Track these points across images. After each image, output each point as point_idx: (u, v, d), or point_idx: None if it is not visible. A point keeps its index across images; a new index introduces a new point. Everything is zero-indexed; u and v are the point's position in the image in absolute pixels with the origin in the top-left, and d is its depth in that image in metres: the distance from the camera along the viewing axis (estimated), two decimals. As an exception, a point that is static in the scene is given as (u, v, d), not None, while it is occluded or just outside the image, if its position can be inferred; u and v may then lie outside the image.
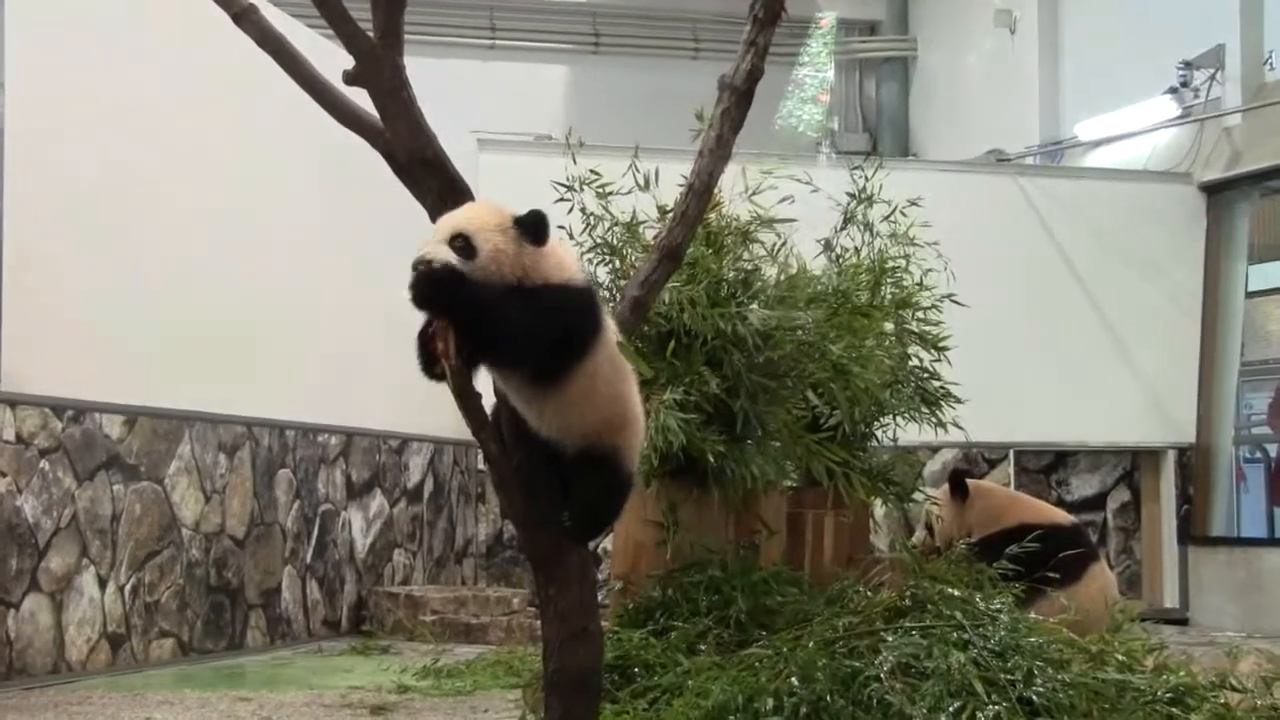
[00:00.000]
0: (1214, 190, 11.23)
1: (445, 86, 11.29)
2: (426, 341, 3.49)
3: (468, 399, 3.58)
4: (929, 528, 7.24)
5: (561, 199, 6.04)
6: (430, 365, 3.53)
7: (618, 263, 6.02)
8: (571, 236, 5.67)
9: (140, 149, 6.87)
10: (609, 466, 3.65)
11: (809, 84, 12.45)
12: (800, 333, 5.91)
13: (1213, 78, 11.10)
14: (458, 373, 3.50)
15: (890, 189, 6.99)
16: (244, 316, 7.54)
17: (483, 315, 3.41)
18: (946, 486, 7.34)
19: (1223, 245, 11.21)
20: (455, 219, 3.49)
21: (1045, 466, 11.14)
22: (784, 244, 6.35)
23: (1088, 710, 4.15)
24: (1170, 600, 11.08)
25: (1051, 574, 6.32)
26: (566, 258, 3.63)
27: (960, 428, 6.91)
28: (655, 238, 4.28)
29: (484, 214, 3.50)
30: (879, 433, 6.93)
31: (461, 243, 3.42)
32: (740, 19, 4.30)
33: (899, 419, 6.90)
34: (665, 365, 5.59)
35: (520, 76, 13.94)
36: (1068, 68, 12.73)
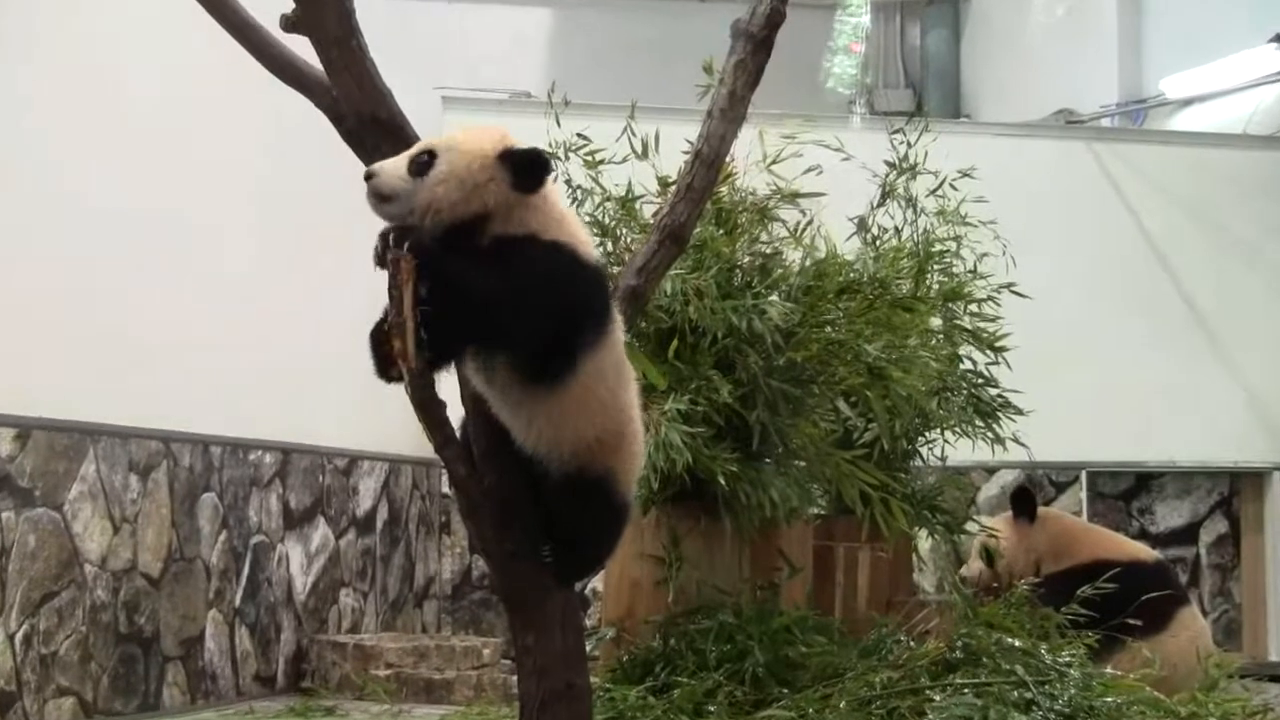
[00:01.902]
0: (1328, 159, 11.26)
1: (403, 34, 11.30)
2: (381, 339, 3.50)
3: (430, 409, 3.59)
4: (986, 556, 7.25)
5: (543, 168, 6.04)
6: (385, 368, 3.53)
7: (610, 245, 6.04)
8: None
9: (34, 126, 6.87)
10: (601, 493, 3.66)
11: (840, 31, 12.47)
12: (829, 330, 5.93)
13: (1327, 24, 11.13)
14: (418, 377, 3.51)
15: (938, 157, 7.01)
16: (160, 312, 7.54)
17: (453, 275, 3.40)
18: (1009, 511, 7.35)
19: (1338, 224, 11.24)
20: (439, 137, 3.55)
21: (1124, 491, 11.15)
22: (810, 223, 6.37)
23: (1175, 783, 4.17)
24: (1276, 652, 11.09)
25: (1132, 620, 6.35)
26: (570, 217, 3.63)
27: (1022, 444, 6.92)
28: (655, 215, 4.29)
29: (472, 135, 3.53)
30: (924, 450, 6.95)
31: (426, 158, 3.47)
32: (758, -47, 4.31)
33: (948, 434, 6.91)
34: (668, 369, 5.60)
35: (493, 22, 13.94)
36: (1153, 11, 12.75)
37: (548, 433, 3.58)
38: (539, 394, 3.54)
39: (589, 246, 3.63)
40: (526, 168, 3.49)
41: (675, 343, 5.64)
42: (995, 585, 6.96)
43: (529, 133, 6.00)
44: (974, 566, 7.31)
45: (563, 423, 3.57)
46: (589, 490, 3.64)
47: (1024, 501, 7.29)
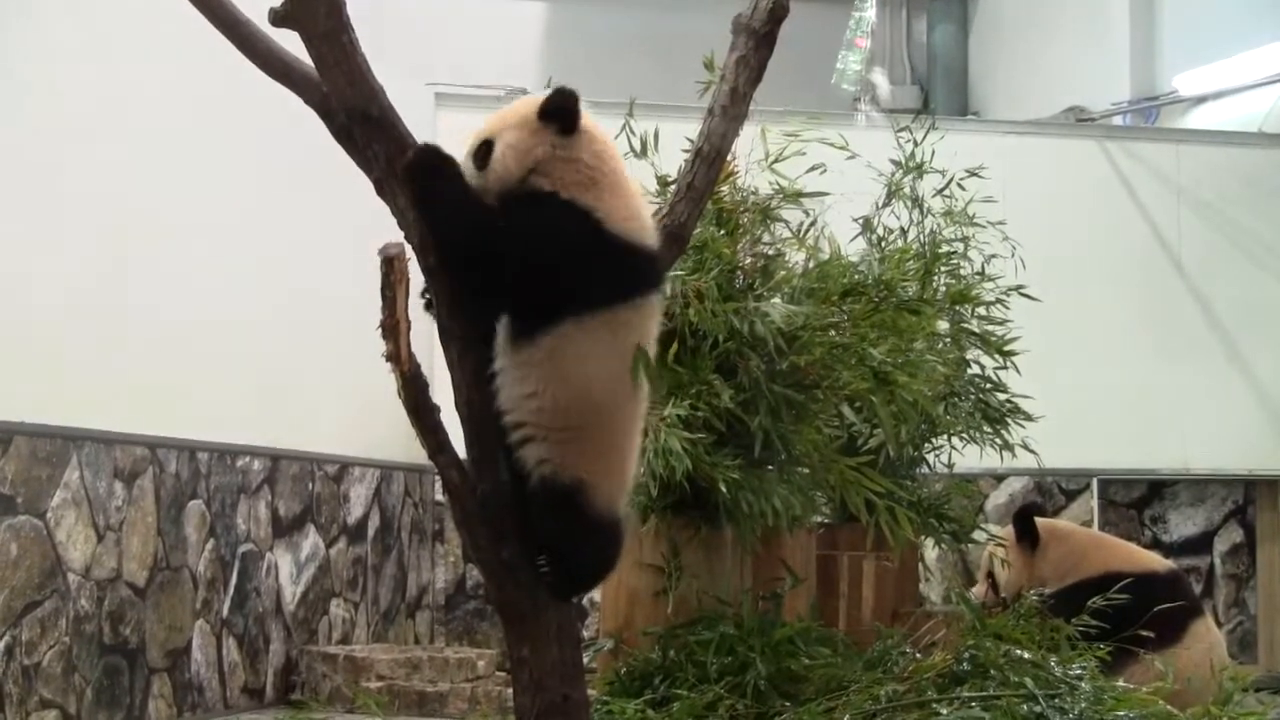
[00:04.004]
0: (1346, 157, 11.27)
1: (395, 29, 11.31)
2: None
3: (423, 414, 3.60)
4: (990, 576, 7.25)
5: (539, 167, 6.05)
6: None
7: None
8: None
9: (21, 127, 6.88)
10: (571, 505, 3.64)
11: (845, 25, 12.47)
12: (833, 333, 5.93)
13: (1346, 18, 11.15)
14: (412, 381, 3.52)
15: (945, 155, 7.01)
16: (146, 314, 7.54)
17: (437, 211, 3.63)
18: (1011, 529, 7.33)
19: (1357, 224, 11.24)
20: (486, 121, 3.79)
21: (1137, 499, 11.15)
22: (813, 223, 6.37)
23: (1188, 800, 4.18)
24: (1292, 665, 11.10)
25: (1145, 632, 6.34)
26: (613, 185, 3.72)
27: (1031, 451, 6.93)
28: (655, 215, 4.29)
29: (512, 109, 3.79)
30: (930, 457, 6.95)
31: (483, 149, 3.71)
32: (760, -55, 4.32)
33: (955, 440, 6.91)
34: (668, 373, 5.60)
35: (487, 16, 13.95)
36: (1166, 6, 12.75)
37: (511, 393, 3.60)
38: (514, 349, 3.59)
39: (622, 217, 3.70)
40: (559, 111, 3.71)
41: (675, 346, 5.64)
42: (1002, 601, 6.96)
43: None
44: (979, 590, 7.30)
45: (524, 385, 3.58)
46: (557, 501, 3.63)
47: (1026, 525, 7.22)
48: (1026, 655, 4.99)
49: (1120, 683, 5.27)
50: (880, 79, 13.51)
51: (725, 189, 6.03)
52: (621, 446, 3.75)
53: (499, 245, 3.58)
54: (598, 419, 3.66)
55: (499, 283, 3.59)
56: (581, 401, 3.61)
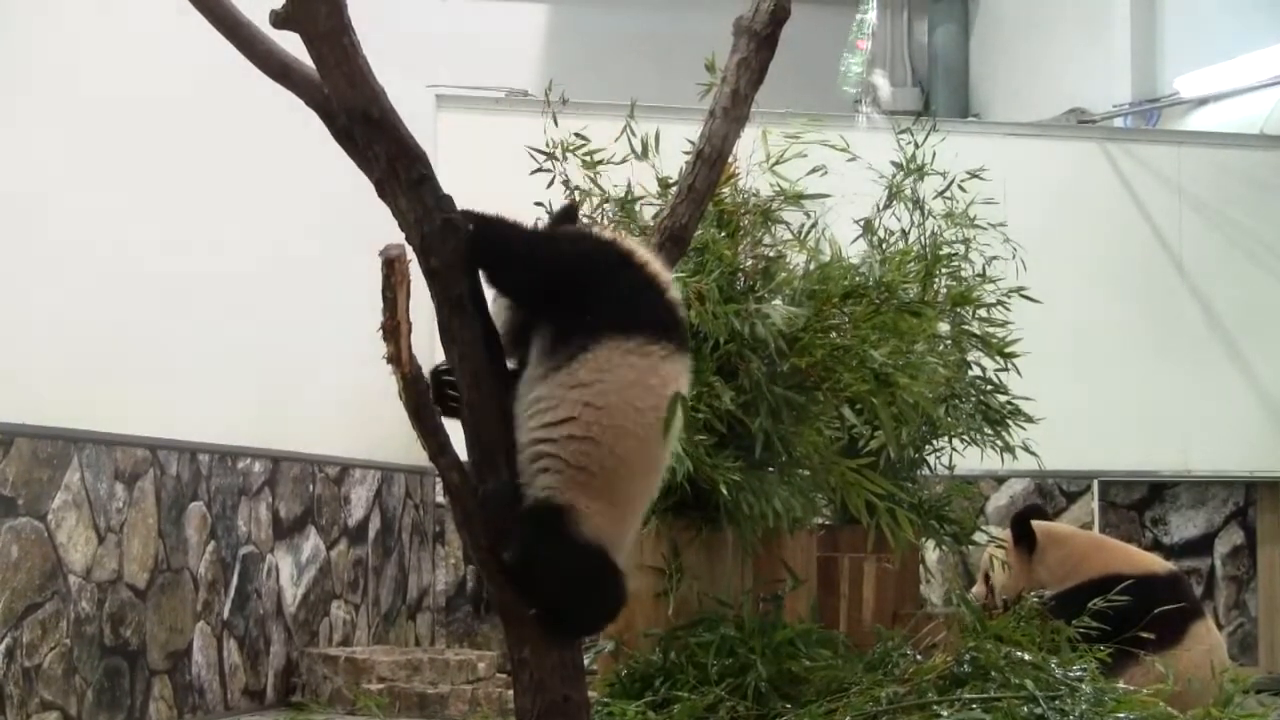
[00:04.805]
0: (1348, 159, 11.27)
1: (396, 30, 11.31)
2: (441, 382, 3.63)
3: (424, 416, 3.60)
4: (987, 579, 7.24)
5: (539, 169, 6.06)
6: (445, 405, 3.65)
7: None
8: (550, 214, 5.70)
9: (20, 128, 6.88)
10: (554, 531, 3.55)
11: (846, 28, 12.47)
12: (834, 335, 5.93)
13: (1348, 19, 11.15)
14: (413, 383, 3.52)
15: (946, 157, 7.01)
16: (147, 314, 7.54)
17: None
18: (1009, 533, 7.33)
19: (1359, 226, 11.24)
20: None
21: (1137, 501, 11.15)
22: (814, 225, 6.37)
23: (1189, 802, 4.18)
24: (1292, 666, 11.10)
25: (1145, 634, 6.34)
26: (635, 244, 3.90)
27: (1032, 453, 6.92)
28: (655, 217, 4.30)
29: None
30: (931, 459, 6.95)
31: None
32: (761, -52, 4.32)
33: (956, 442, 6.91)
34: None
35: (489, 18, 13.96)
36: (1167, 8, 12.75)
37: (541, 420, 3.56)
38: (550, 373, 3.57)
39: (657, 269, 3.84)
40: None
41: (676, 348, 5.63)
42: (1004, 602, 6.95)
43: (525, 132, 6.05)
44: (977, 591, 7.29)
45: (558, 410, 3.54)
46: (540, 526, 3.55)
47: (1023, 529, 7.20)
48: (1027, 657, 5.00)
49: (1121, 684, 5.28)
50: (881, 81, 13.49)
51: (726, 191, 6.03)
52: (631, 491, 3.71)
53: (549, 250, 3.72)
54: (625, 454, 3.61)
55: (547, 288, 3.65)
56: (614, 433, 3.57)
